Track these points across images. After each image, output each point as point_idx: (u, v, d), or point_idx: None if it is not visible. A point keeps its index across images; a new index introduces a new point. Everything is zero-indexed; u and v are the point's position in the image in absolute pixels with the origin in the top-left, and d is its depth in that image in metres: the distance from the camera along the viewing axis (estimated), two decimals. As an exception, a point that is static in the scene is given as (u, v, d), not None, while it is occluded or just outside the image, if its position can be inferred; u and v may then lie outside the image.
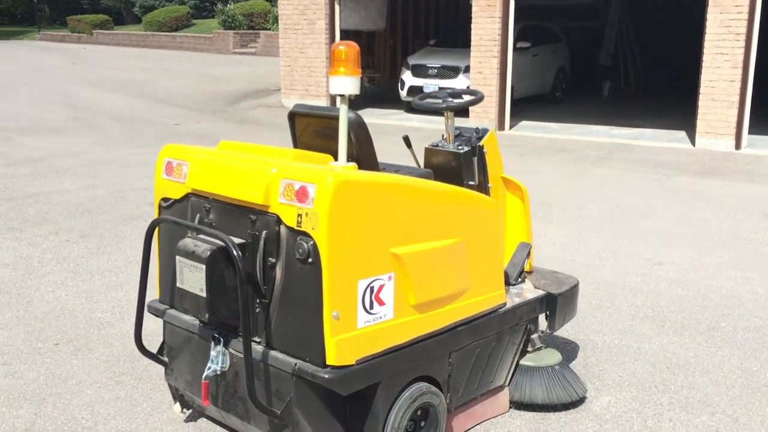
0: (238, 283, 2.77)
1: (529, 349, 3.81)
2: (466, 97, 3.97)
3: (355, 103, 16.30)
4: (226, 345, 3.08)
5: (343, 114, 2.88)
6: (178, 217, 3.22)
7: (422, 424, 3.20)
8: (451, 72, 14.78)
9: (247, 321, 2.80)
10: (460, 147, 3.88)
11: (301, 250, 2.78)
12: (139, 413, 3.55)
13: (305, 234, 2.75)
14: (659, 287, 5.48)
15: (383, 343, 2.95)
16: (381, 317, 2.93)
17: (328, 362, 2.78)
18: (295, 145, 3.53)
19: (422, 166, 4.03)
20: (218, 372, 3.07)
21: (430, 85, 14.97)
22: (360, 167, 3.28)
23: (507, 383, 3.68)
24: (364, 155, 3.26)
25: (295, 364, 2.85)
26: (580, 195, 8.41)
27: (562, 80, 17.29)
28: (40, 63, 21.68)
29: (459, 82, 14.48)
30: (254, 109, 15.03)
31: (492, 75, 13.34)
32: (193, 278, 2.94)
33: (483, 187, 3.95)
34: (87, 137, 11.57)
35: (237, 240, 2.95)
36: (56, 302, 4.87)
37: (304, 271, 2.78)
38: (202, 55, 26.35)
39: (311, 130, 3.41)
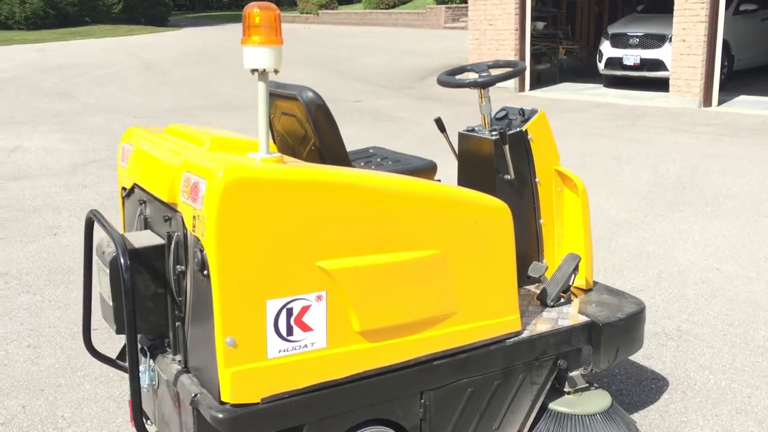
0: (123, 293, 2.35)
1: (567, 389, 3.02)
2: (499, 71, 3.21)
3: (550, 77, 15.36)
4: (153, 359, 2.70)
5: (262, 92, 2.33)
6: (132, 209, 2.88)
7: (378, 477, 2.60)
8: (656, 41, 13.19)
9: (132, 334, 2.36)
10: (494, 132, 3.15)
11: (197, 260, 2.30)
12: (118, 418, 3.30)
13: (199, 240, 2.27)
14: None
15: (309, 378, 2.38)
16: (306, 346, 2.37)
17: (222, 398, 2.28)
18: (271, 130, 3.04)
19: (457, 153, 3.36)
20: (145, 389, 2.70)
21: (630, 56, 13.54)
22: (323, 158, 2.72)
23: None
24: (325, 144, 2.68)
25: (195, 395, 2.39)
26: None
27: (798, 47, 14.84)
28: (203, 47, 22.80)
29: (664, 53, 12.90)
30: (438, 85, 14.54)
31: (698, 43, 11.68)
32: (103, 283, 2.58)
33: (526, 182, 3.20)
34: (230, 117, 11.82)
35: (156, 242, 2.54)
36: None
37: (204, 284, 2.30)
38: (413, 31, 26.26)
39: (279, 112, 2.90)
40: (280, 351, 2.33)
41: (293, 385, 2.36)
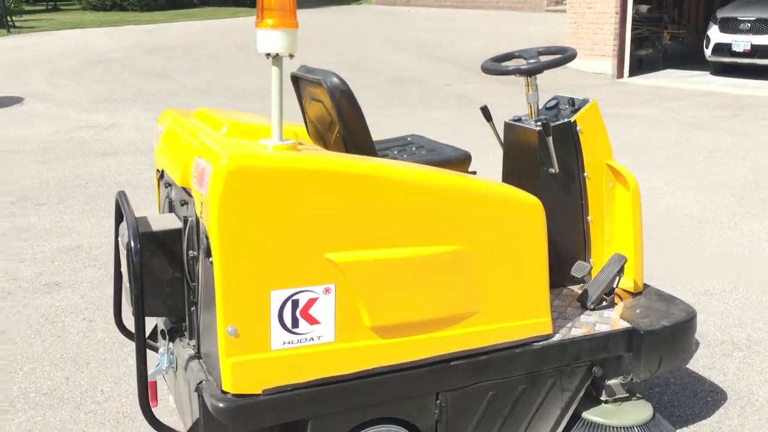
0: (132, 276, 2.34)
1: (604, 398, 2.84)
2: (546, 58, 3.02)
3: (652, 63, 14.66)
4: (173, 342, 2.71)
5: (275, 78, 2.26)
6: (163, 192, 2.89)
7: (391, 477, 2.51)
8: (768, 26, 12.38)
9: (140, 316, 2.36)
10: (538, 123, 2.98)
11: (203, 246, 2.27)
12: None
13: (205, 226, 2.24)
14: None
15: (314, 371, 2.31)
16: (312, 339, 2.30)
17: (223, 388, 2.25)
18: (302, 114, 2.98)
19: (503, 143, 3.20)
20: (164, 371, 2.71)
21: (739, 42, 12.77)
22: (347, 147, 2.63)
23: (554, 440, 2.78)
24: (349, 131, 2.60)
25: (200, 382, 2.37)
26: None
27: None
28: (355, 26, 22.86)
29: (778, 39, 12.10)
30: (533, 70, 14.14)
31: (814, 29, 10.85)
32: (124, 265, 2.59)
33: (574, 177, 3.01)
34: (351, 97, 11.85)
35: (175, 226, 2.53)
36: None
37: (210, 271, 2.27)
38: (514, 14, 25.66)
39: (309, 98, 2.83)
40: (284, 343, 2.27)
41: (297, 379, 2.30)
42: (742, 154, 7.82)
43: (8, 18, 19.47)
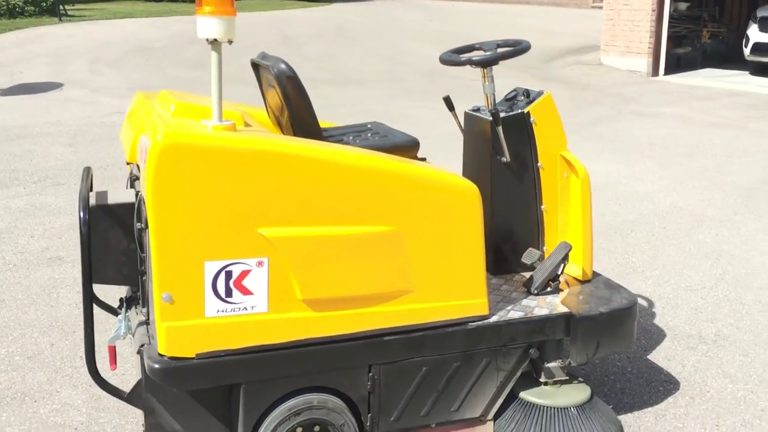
0: (82, 246, 2.52)
1: (544, 379, 2.93)
2: (501, 50, 3.10)
3: (690, 61, 14.43)
4: (127, 310, 2.89)
5: (214, 62, 2.41)
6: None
7: (323, 443, 2.65)
8: (812, 25, 12.10)
9: (87, 283, 2.54)
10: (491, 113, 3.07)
11: (144, 218, 2.44)
12: (126, 363, 3.55)
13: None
14: None
15: (247, 339, 2.46)
16: (246, 309, 2.45)
17: (159, 350, 2.42)
18: (263, 99, 3.13)
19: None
20: (121, 337, 2.89)
21: (779, 41, 12.50)
22: (294, 131, 2.78)
23: (489, 417, 2.87)
24: (296, 115, 2.74)
25: (142, 345, 2.54)
26: None
27: None
28: (396, 20, 22.96)
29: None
30: (566, 67, 14.08)
31: None
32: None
33: (527, 166, 3.10)
34: (381, 89, 11.98)
35: (129, 200, 2.71)
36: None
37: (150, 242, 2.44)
38: (559, 10, 25.46)
39: (266, 83, 2.97)
40: (218, 311, 2.43)
41: (230, 345, 2.45)
42: (760, 155, 7.72)
43: (61, 7, 20.09)
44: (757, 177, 6.90)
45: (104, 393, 3.06)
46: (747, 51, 13.11)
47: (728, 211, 5.90)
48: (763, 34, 12.74)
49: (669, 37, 13.68)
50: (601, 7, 25.19)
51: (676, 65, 14.11)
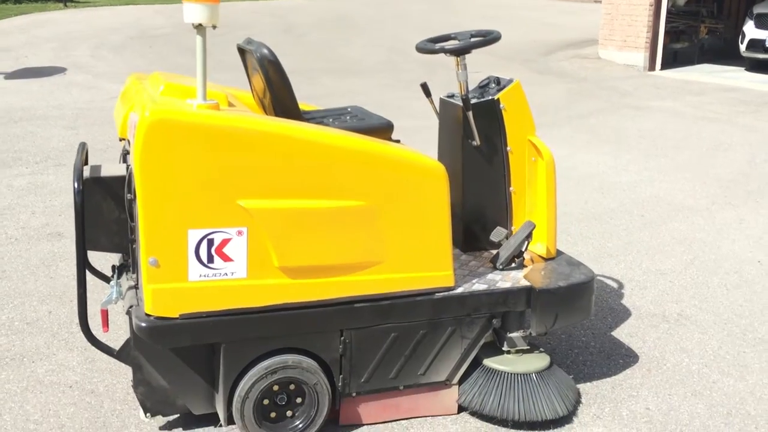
0: (76, 215, 2.74)
1: (506, 348, 3.14)
2: (474, 40, 3.29)
3: (688, 57, 14.57)
4: (119, 277, 3.11)
5: (199, 45, 2.61)
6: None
7: (298, 400, 2.86)
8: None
9: (81, 249, 2.76)
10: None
11: (133, 189, 2.65)
12: (120, 329, 3.77)
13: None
14: None
15: (226, 302, 2.68)
16: (226, 274, 2.66)
17: (145, 311, 2.63)
18: (248, 82, 3.33)
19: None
20: (113, 301, 3.10)
21: (774, 38, 12.64)
22: (276, 112, 2.98)
23: (454, 381, 3.09)
24: (277, 97, 2.95)
25: (131, 306, 2.76)
26: None
27: None
28: (400, 11, 23.11)
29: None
30: (564, 60, 14.24)
31: None
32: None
33: (496, 150, 3.31)
34: (380, 79, 12.16)
35: (120, 173, 2.92)
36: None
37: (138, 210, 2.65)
38: (565, 4, 25.58)
39: (251, 67, 3.17)
40: (200, 276, 2.64)
41: (211, 307, 2.67)
42: (744, 148, 7.91)
43: (66, -8, 20.29)
44: (738, 170, 7.08)
45: (98, 355, 3.30)
46: (743, 47, 13.25)
47: (706, 202, 6.09)
48: (759, 30, 12.88)
49: (667, 32, 13.83)
50: (601, 1, 25.33)
51: (673, 60, 14.25)
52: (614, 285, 4.42)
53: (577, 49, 15.55)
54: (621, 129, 8.83)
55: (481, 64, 13.72)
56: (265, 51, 2.89)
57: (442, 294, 2.95)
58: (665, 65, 13.83)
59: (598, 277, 4.52)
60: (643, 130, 8.77)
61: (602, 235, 5.28)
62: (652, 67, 13.66)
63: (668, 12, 13.76)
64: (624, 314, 4.05)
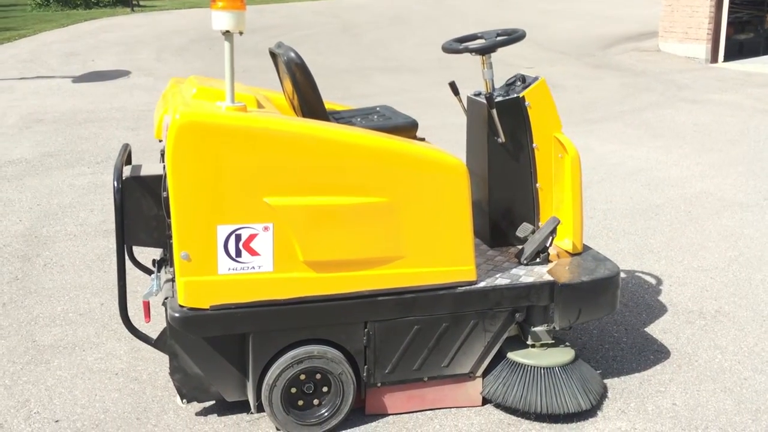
0: (115, 211, 2.91)
1: (530, 342, 3.19)
2: (498, 39, 3.35)
3: (753, 48, 14.14)
4: (159, 270, 3.28)
5: (228, 51, 2.75)
6: None
7: (324, 389, 2.98)
8: None
9: (120, 244, 2.93)
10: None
11: (165, 186, 2.81)
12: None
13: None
14: None
15: (254, 294, 2.81)
16: (253, 268, 2.80)
17: (179, 302, 2.79)
18: (281, 84, 3.45)
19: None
20: (153, 294, 3.27)
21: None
22: (303, 113, 3.10)
23: (478, 374, 3.15)
24: (305, 99, 3.06)
25: (166, 298, 2.92)
26: None
27: None
28: (455, 8, 23.08)
29: None
30: (623, 54, 14.01)
31: None
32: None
33: (522, 147, 3.36)
34: (432, 77, 12.21)
35: (158, 172, 3.08)
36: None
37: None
38: (626, -4, 25.12)
39: (282, 70, 3.30)
40: (229, 269, 2.78)
41: (240, 299, 2.81)
42: (805, 141, 7.69)
43: (133, -2, 20.97)
44: (796, 164, 6.90)
45: (143, 345, 3.47)
46: (810, 37, 12.81)
47: (757, 197, 5.97)
48: (827, 19, 12.43)
49: (730, 23, 13.46)
50: (667, -7, 24.72)
51: (738, 52, 13.86)
52: (652, 281, 4.40)
53: (637, 42, 15.27)
54: (675, 123, 8.68)
55: (534, 60, 13.67)
56: (292, 54, 3.01)
57: (464, 288, 3.03)
58: (729, 57, 13.47)
59: (636, 274, 4.51)
60: (699, 124, 8.60)
61: (645, 232, 5.24)
62: (714, 59, 13.32)
63: (731, 2, 13.40)
64: (659, 310, 4.03)
